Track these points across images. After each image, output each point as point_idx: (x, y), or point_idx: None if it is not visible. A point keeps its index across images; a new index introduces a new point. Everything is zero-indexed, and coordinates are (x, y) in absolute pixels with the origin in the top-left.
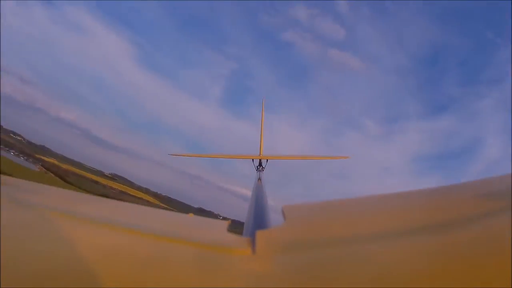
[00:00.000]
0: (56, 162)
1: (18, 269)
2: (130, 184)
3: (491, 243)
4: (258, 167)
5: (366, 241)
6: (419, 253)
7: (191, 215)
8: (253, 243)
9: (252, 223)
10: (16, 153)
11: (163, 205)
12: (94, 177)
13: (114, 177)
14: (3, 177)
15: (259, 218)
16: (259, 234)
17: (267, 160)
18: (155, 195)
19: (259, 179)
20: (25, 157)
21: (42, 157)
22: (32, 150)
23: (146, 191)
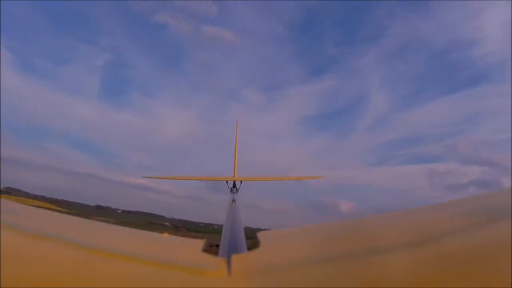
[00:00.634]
0: None
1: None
2: (26, 194)
3: (476, 260)
4: (232, 188)
5: (337, 262)
6: (390, 271)
7: (165, 235)
8: (228, 264)
9: (227, 245)
10: None
11: (62, 209)
12: None
13: (8, 191)
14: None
15: (234, 240)
16: (235, 257)
17: (241, 182)
18: (52, 200)
19: (234, 200)
20: None
21: None
22: None
23: (43, 198)
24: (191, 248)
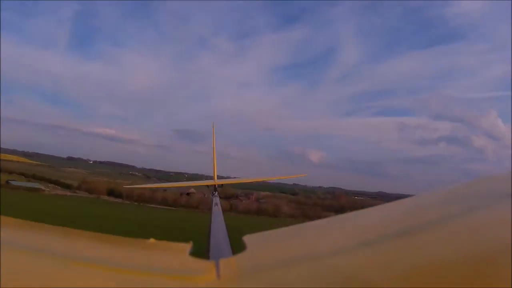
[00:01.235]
0: None
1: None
2: None
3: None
4: (214, 192)
5: (327, 259)
6: (376, 263)
7: (152, 240)
8: (217, 267)
9: (213, 248)
10: None
11: (34, 161)
12: None
13: None
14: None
15: (220, 242)
16: (223, 260)
17: (221, 185)
18: (24, 154)
19: (216, 204)
20: None
21: None
22: None
23: (14, 152)
24: (178, 252)
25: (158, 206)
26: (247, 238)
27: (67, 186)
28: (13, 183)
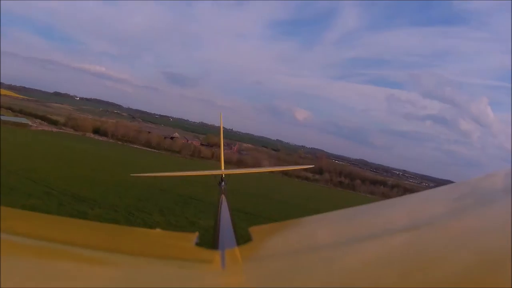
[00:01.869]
0: None
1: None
2: None
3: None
4: (220, 182)
5: (332, 252)
6: (381, 258)
7: (158, 230)
8: (222, 257)
9: (219, 237)
10: None
11: (20, 96)
12: None
13: None
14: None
15: (226, 232)
16: (228, 250)
17: (228, 175)
18: (11, 87)
19: (222, 193)
20: None
21: None
22: None
23: (1, 85)
24: (184, 242)
25: (142, 148)
26: (253, 229)
27: (54, 122)
28: (1, 118)
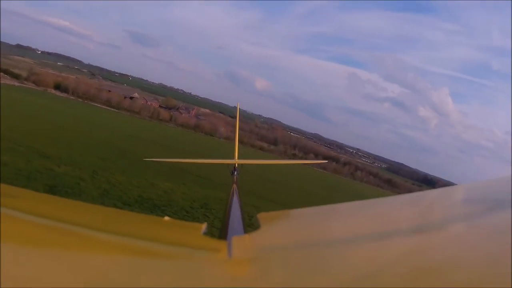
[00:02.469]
0: None
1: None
2: None
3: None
4: (233, 171)
5: (341, 245)
6: (395, 255)
7: (166, 218)
8: (229, 247)
9: (228, 227)
10: None
11: None
12: None
13: None
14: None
15: (235, 223)
16: (235, 238)
17: (241, 165)
18: None
19: (234, 183)
20: None
21: None
22: None
23: None
24: (192, 231)
25: (102, 106)
26: (261, 216)
27: (16, 76)
28: None
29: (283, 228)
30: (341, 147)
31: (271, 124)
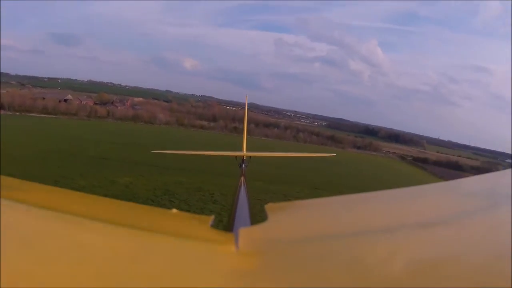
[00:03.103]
0: None
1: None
2: None
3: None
4: (242, 163)
5: (348, 238)
6: (402, 249)
7: (174, 210)
8: (236, 239)
9: (235, 219)
10: None
11: None
12: None
13: None
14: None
15: (242, 215)
16: (242, 231)
17: (249, 157)
18: None
19: (242, 175)
20: None
21: None
22: None
23: None
24: (200, 223)
25: (41, 115)
26: (268, 207)
27: None
28: None
29: (290, 220)
30: (278, 112)
31: (206, 101)
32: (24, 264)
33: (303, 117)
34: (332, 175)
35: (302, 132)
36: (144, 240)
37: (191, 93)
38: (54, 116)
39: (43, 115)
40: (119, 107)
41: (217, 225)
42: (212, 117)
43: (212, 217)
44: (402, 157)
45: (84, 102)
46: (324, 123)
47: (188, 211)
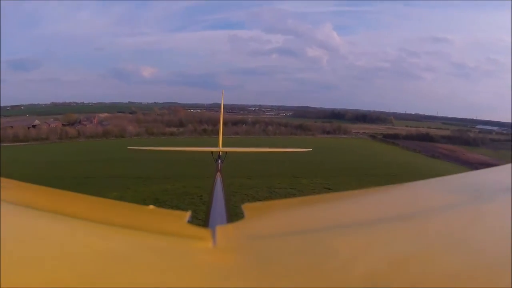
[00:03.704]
0: None
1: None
2: None
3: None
4: (218, 159)
5: (325, 233)
6: (380, 243)
7: (151, 207)
8: (213, 235)
9: (212, 216)
10: None
11: None
12: None
13: None
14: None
15: (218, 210)
16: (220, 227)
17: (225, 153)
18: None
19: (219, 171)
20: None
21: None
22: None
23: None
24: (176, 219)
25: (13, 144)
26: (246, 206)
27: None
28: None
29: (267, 218)
30: (243, 108)
31: (170, 107)
32: (23, 265)
33: (268, 110)
34: (308, 162)
35: (271, 125)
36: (121, 236)
37: (153, 101)
38: (26, 143)
39: (14, 144)
40: (87, 125)
41: (192, 222)
42: (180, 123)
43: (189, 212)
44: (373, 136)
45: (52, 125)
46: (289, 113)
47: None
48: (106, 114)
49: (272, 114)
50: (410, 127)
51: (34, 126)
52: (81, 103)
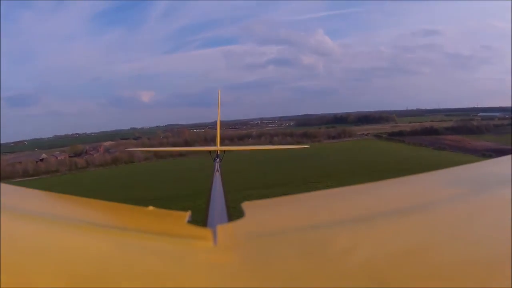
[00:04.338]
0: None
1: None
2: None
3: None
4: (216, 158)
5: (326, 229)
6: (380, 239)
7: (151, 208)
8: (214, 234)
9: (211, 215)
10: None
11: None
12: None
13: None
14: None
15: (218, 210)
16: (220, 226)
17: (224, 152)
18: None
19: (217, 170)
20: None
21: None
22: None
23: None
24: (176, 220)
25: (24, 179)
26: (245, 205)
27: None
28: None
29: (268, 216)
30: (245, 123)
31: (172, 129)
32: (24, 269)
33: (270, 122)
34: (319, 168)
35: (276, 136)
36: (122, 238)
37: (155, 125)
38: (37, 177)
39: (25, 179)
40: (94, 155)
41: (192, 222)
42: (186, 143)
43: (189, 212)
44: (378, 136)
45: (59, 158)
46: (292, 123)
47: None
48: (110, 142)
49: (275, 126)
50: (414, 122)
51: (41, 160)
52: (83, 133)
